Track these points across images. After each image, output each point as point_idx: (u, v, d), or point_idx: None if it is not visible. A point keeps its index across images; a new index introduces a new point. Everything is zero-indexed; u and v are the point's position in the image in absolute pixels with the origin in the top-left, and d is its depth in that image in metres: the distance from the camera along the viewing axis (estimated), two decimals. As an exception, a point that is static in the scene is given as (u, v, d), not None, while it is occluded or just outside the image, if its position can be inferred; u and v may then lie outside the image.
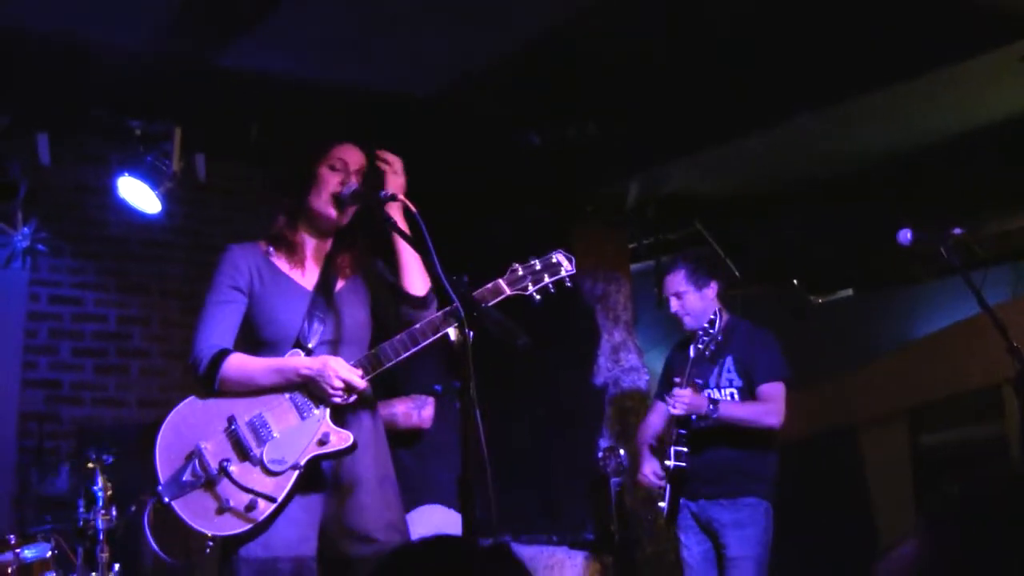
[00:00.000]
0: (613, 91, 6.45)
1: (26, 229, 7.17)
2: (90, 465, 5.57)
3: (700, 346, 5.66)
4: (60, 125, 6.77)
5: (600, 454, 7.62)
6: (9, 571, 5.52)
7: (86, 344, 7.47)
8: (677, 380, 5.50)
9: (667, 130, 6.82)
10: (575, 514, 7.64)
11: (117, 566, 5.56)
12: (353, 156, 4.01)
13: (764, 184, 7.78)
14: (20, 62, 6.05)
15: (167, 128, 6.79)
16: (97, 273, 7.54)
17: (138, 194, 6.85)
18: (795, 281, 9.04)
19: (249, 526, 3.71)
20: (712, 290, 5.76)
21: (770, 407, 5.56)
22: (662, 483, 5.59)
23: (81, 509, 5.65)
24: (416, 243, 3.59)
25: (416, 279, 3.94)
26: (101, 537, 5.46)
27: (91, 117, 6.68)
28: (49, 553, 5.65)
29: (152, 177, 6.76)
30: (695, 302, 5.71)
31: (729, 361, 5.67)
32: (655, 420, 5.98)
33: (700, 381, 5.52)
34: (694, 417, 5.44)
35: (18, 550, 5.56)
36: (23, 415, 7.19)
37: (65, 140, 6.90)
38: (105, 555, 5.40)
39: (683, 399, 5.40)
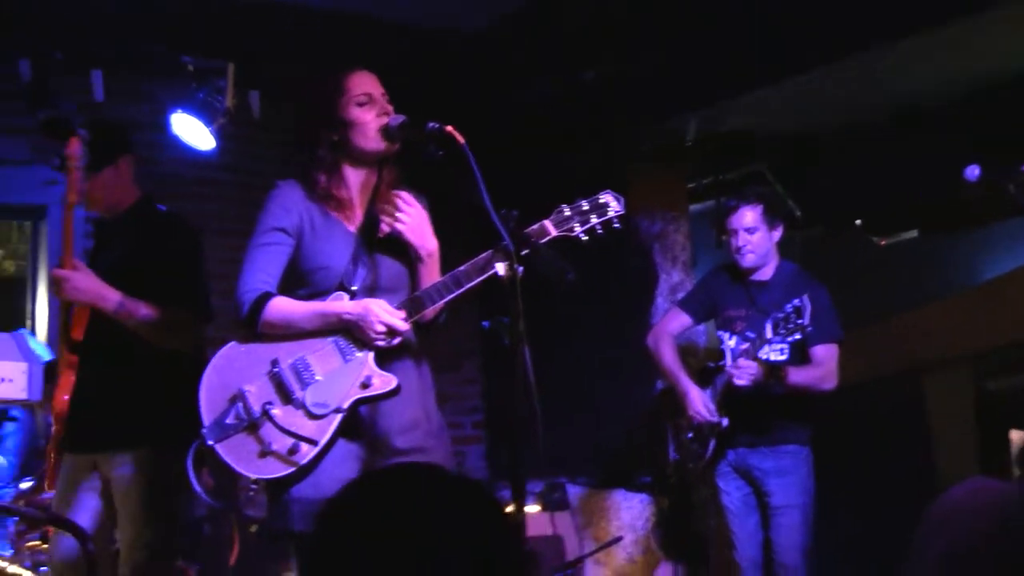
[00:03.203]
0: (671, 25, 6.32)
1: (80, 166, 7.16)
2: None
3: (753, 293, 5.62)
4: (113, 61, 6.74)
5: (657, 395, 7.55)
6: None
7: (142, 282, 7.46)
8: (745, 347, 5.40)
9: (727, 65, 6.69)
10: (629, 456, 7.59)
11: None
12: (371, 83, 3.93)
13: (826, 122, 7.63)
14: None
15: (220, 64, 6.75)
16: (152, 209, 7.51)
17: (192, 131, 6.82)
18: (857, 222, 8.88)
19: (291, 469, 3.70)
20: (778, 233, 5.70)
21: (827, 372, 5.49)
22: (716, 418, 5.54)
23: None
24: (464, 176, 3.51)
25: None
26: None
27: (144, 53, 6.65)
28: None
29: (205, 114, 6.73)
30: (763, 241, 5.63)
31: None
32: (673, 327, 5.99)
33: (752, 335, 5.42)
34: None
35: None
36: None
37: (119, 76, 6.86)
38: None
39: (749, 372, 5.33)
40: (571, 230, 3.74)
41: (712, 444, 5.62)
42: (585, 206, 3.76)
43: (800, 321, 5.11)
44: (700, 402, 5.60)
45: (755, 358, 5.34)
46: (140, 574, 4.55)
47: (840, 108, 7.40)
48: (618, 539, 7.07)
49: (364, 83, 3.91)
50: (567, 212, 3.75)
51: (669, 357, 5.89)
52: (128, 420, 4.55)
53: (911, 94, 7.13)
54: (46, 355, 6.41)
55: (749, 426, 5.55)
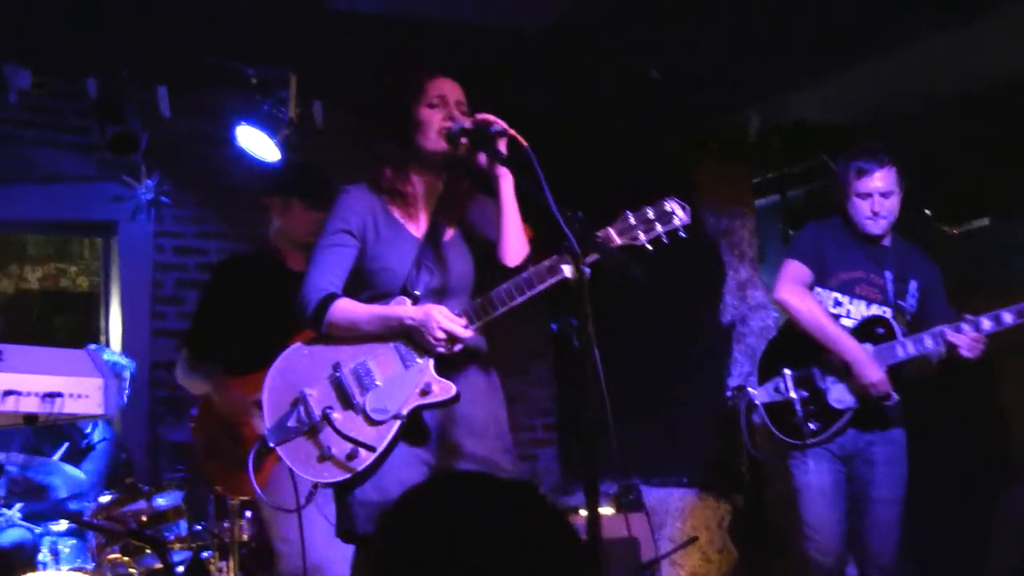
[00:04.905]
0: (733, 18, 6.26)
1: (149, 182, 7.28)
2: (217, 413, 5.63)
3: (880, 257, 5.24)
4: (178, 76, 6.82)
5: (728, 393, 7.50)
6: (143, 519, 5.63)
7: (212, 294, 7.55)
8: (967, 321, 4.94)
9: (788, 56, 6.62)
10: (702, 455, 7.55)
11: (249, 513, 5.62)
12: (449, 88, 3.92)
13: (891, 110, 7.52)
14: (134, 13, 6.09)
15: (283, 75, 6.81)
16: (219, 222, 7.61)
17: (256, 143, 6.88)
18: (927, 211, 8.77)
19: (348, 475, 3.73)
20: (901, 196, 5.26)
21: None
22: (890, 390, 5.01)
23: (210, 457, 5.72)
24: (527, 179, 3.50)
25: (514, 243, 3.86)
26: (230, 485, 5.52)
27: (208, 67, 6.72)
28: (181, 501, 5.75)
29: (269, 125, 6.79)
30: (896, 206, 5.18)
31: (914, 286, 5.22)
32: (804, 280, 5.21)
33: (908, 304, 5.16)
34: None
35: (151, 498, 5.68)
36: (154, 365, 7.31)
37: (183, 91, 6.94)
38: (235, 502, 5.44)
39: (980, 347, 4.91)
40: (635, 238, 3.68)
41: (841, 422, 5.06)
42: (650, 214, 3.70)
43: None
44: (877, 371, 4.99)
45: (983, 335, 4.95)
46: None
47: (905, 95, 7.30)
48: (693, 539, 7.03)
49: (442, 87, 3.92)
50: (632, 220, 3.70)
51: (826, 315, 5.15)
52: None
53: (977, 78, 7.01)
54: (129, 365, 6.51)
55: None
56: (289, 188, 5.17)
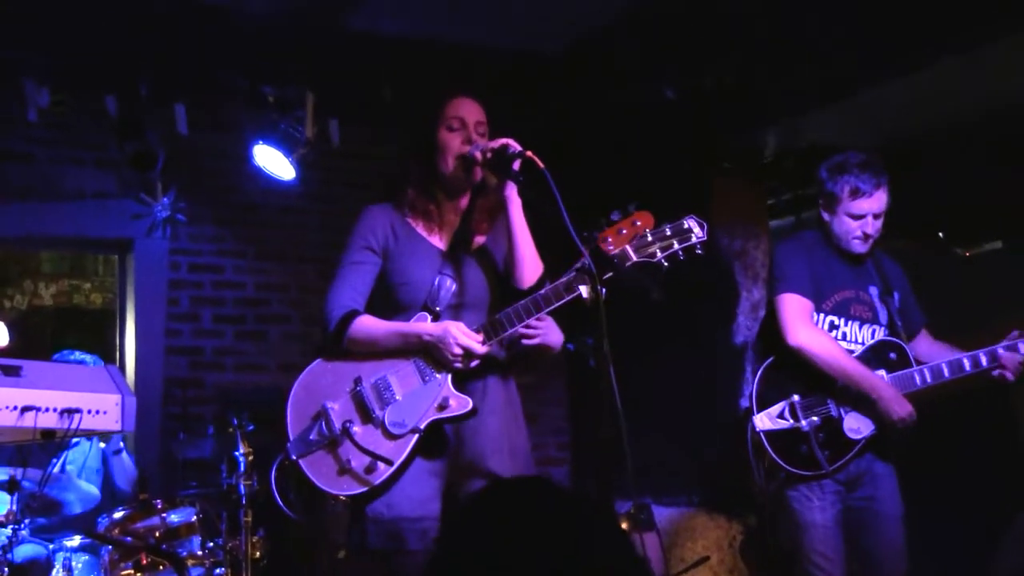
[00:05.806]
0: (748, 40, 6.29)
1: (166, 199, 7.30)
2: (231, 430, 5.64)
3: (868, 273, 5.04)
4: (195, 94, 6.86)
5: (741, 414, 7.48)
6: (157, 535, 5.63)
7: (227, 311, 7.59)
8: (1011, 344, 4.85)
9: (805, 79, 6.63)
10: (713, 475, 7.53)
11: (262, 530, 5.63)
12: (468, 109, 3.97)
13: (906, 133, 7.53)
14: (154, 32, 6.14)
15: (300, 94, 6.84)
16: (235, 241, 7.63)
17: (273, 161, 6.92)
18: (940, 234, 8.76)
19: (365, 488, 3.78)
20: None
21: None
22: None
23: (224, 474, 5.73)
24: (545, 200, 3.54)
25: (526, 265, 3.89)
26: (244, 501, 5.52)
27: (225, 85, 6.75)
28: (194, 517, 5.75)
29: (286, 144, 6.83)
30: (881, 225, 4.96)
31: (897, 299, 5.03)
32: (810, 316, 4.90)
33: (900, 323, 4.98)
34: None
35: (164, 514, 5.68)
36: (168, 381, 7.34)
37: (201, 109, 6.98)
38: (248, 519, 5.45)
39: (1021, 370, 4.83)
40: (652, 255, 3.72)
41: (854, 452, 4.83)
42: (668, 231, 3.75)
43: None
44: (907, 406, 4.75)
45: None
46: None
47: (921, 118, 7.30)
48: (705, 559, 7.01)
49: (461, 108, 3.97)
50: (649, 237, 3.74)
51: (844, 353, 4.86)
52: None
53: (992, 101, 7.02)
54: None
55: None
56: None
